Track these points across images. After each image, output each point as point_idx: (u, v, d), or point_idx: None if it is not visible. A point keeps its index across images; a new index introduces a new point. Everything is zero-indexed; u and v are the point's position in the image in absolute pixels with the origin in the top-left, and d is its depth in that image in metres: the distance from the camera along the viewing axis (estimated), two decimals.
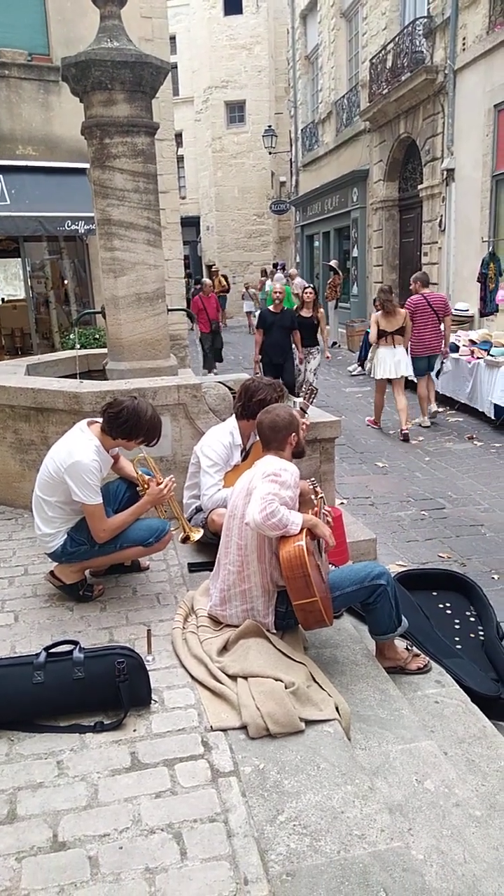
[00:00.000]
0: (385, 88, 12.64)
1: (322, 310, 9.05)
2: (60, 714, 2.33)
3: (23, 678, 2.29)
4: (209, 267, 26.17)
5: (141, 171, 4.38)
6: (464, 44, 10.31)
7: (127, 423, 2.97)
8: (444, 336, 8.22)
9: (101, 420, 3.07)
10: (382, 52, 12.86)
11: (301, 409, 3.76)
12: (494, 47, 9.43)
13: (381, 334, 8.01)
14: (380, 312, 8.06)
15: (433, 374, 8.55)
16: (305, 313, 8.71)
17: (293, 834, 1.85)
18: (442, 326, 8.17)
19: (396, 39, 12.29)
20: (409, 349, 8.08)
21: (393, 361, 7.92)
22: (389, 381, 8.04)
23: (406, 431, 7.75)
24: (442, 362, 8.57)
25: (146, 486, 3.16)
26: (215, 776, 2.06)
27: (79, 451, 2.94)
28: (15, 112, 10.08)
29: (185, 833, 1.86)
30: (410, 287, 8.59)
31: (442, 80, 10.91)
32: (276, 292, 8.58)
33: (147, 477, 3.20)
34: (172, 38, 17.70)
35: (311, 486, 3.02)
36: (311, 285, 9.61)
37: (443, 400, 9.30)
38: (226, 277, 22.72)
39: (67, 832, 1.86)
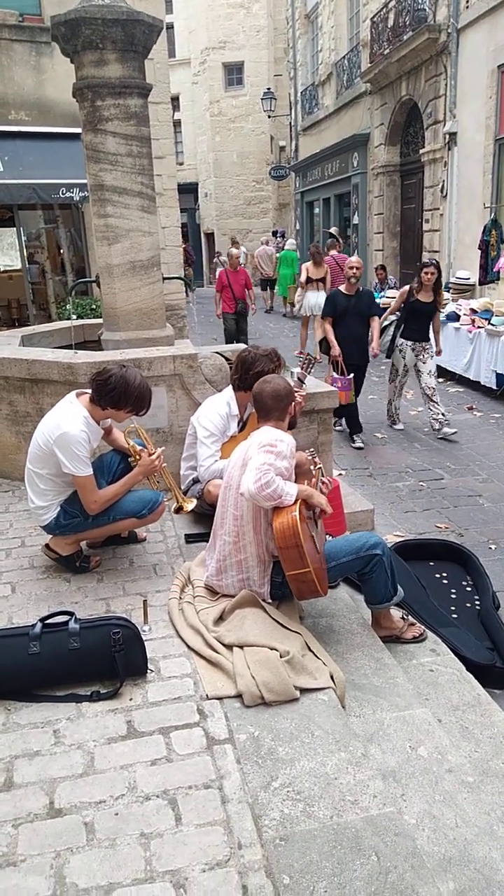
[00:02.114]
0: (386, 48, 12.30)
1: (444, 294, 6.95)
2: (57, 684, 2.34)
3: (19, 649, 2.30)
4: (208, 235, 25.79)
5: (134, 134, 4.27)
6: (467, 2, 10.00)
7: (115, 392, 2.94)
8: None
9: (90, 391, 3.04)
10: (384, 10, 12.48)
11: (299, 379, 3.73)
12: (499, 5, 9.14)
13: (309, 280, 10.38)
14: (310, 262, 10.43)
15: None
16: (424, 298, 6.48)
17: (287, 800, 1.88)
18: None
19: None
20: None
21: (316, 302, 9.96)
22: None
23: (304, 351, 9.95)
24: None
25: (138, 456, 3.14)
26: (210, 744, 2.08)
27: (67, 422, 2.91)
28: (6, 75, 9.81)
29: (180, 799, 1.88)
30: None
31: (445, 40, 10.61)
32: (352, 266, 6.46)
33: (139, 447, 3.18)
34: None
35: (310, 457, 3.00)
36: (435, 261, 6.66)
37: (442, 371, 9.23)
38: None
39: (64, 799, 1.88)
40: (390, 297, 11.02)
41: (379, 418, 7.48)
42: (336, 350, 6.35)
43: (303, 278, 10.55)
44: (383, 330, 6.95)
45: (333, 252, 11.42)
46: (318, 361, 4.07)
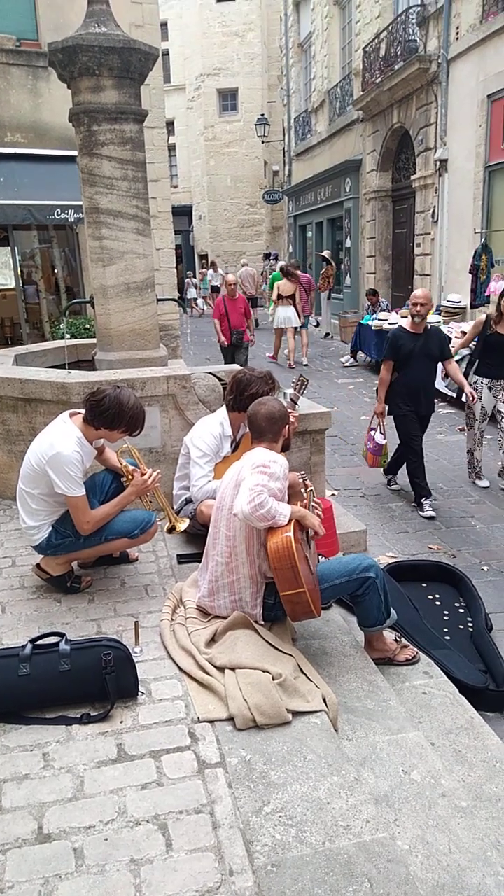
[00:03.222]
0: (378, 77, 12.56)
1: None
2: (47, 706, 2.32)
3: (8, 670, 2.28)
4: (202, 257, 26.00)
5: (129, 158, 4.33)
6: (457, 33, 10.24)
7: (109, 412, 2.94)
8: (311, 301, 13.34)
9: (83, 411, 3.04)
10: (376, 40, 12.76)
11: (292, 400, 3.74)
12: (488, 37, 9.37)
13: (280, 297, 11.91)
14: (283, 280, 11.93)
15: (306, 328, 12.62)
16: None
17: (279, 825, 1.85)
18: (308, 297, 12.83)
19: (390, 28, 12.20)
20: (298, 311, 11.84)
21: (285, 316, 11.87)
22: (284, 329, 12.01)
23: (292, 363, 11.91)
24: (310, 317, 13.95)
25: (131, 476, 3.13)
26: (202, 767, 2.06)
27: (60, 442, 2.91)
28: (3, 98, 9.95)
29: (170, 824, 1.85)
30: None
31: (435, 70, 10.84)
32: (416, 303, 5.20)
33: (131, 468, 3.17)
34: (164, 25, 17.57)
35: (301, 479, 3.01)
36: None
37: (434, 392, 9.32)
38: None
39: (53, 824, 1.85)
40: (381, 320, 11.14)
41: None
42: (380, 407, 5.39)
43: (274, 295, 12.10)
44: None
45: (298, 272, 13.20)
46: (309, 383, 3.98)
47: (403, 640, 3.11)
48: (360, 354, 12.30)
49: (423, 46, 11.18)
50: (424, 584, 4.02)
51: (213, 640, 2.66)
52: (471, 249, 9.93)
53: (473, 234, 10.10)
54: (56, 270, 11.64)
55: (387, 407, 5.42)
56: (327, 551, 3.67)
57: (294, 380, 3.81)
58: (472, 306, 9.90)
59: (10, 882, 1.68)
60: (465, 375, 5.71)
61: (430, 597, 3.89)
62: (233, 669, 2.44)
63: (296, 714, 2.28)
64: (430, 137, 11.33)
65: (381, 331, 11.00)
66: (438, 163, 11.03)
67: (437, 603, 3.83)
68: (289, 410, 3.19)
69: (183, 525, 3.33)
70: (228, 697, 2.31)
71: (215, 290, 22.24)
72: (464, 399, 5.62)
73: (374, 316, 11.77)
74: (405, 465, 5.60)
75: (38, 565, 3.17)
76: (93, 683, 2.30)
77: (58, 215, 9.61)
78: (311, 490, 2.95)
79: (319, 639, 2.94)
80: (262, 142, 22.70)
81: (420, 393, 5.32)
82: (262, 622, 2.72)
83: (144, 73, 4.36)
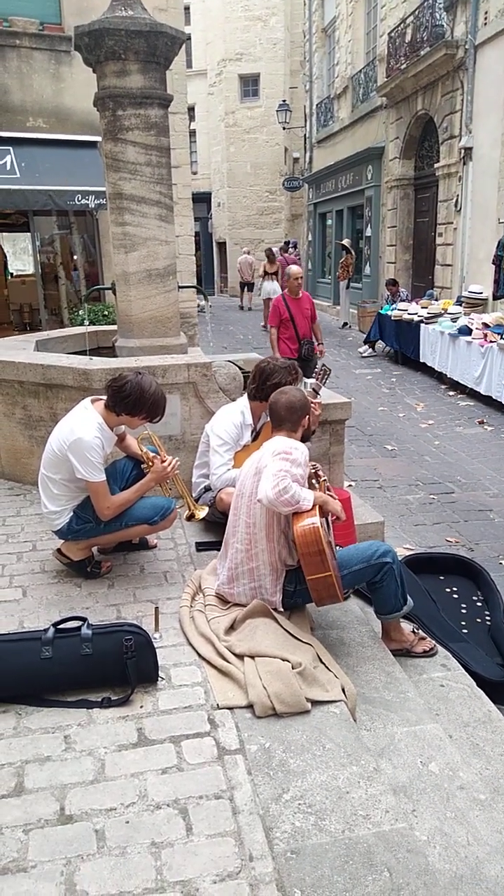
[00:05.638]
0: (403, 63, 12.37)
1: None
2: (68, 689, 2.34)
3: (31, 653, 2.30)
4: (220, 244, 25.88)
5: (154, 144, 4.31)
6: (485, 18, 10.05)
7: (130, 398, 2.95)
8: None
9: (104, 397, 3.05)
10: (401, 25, 12.57)
11: (313, 389, 3.72)
12: None
13: (266, 273, 15.19)
14: (266, 261, 15.40)
15: None
16: None
17: (298, 812, 1.86)
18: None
19: (416, 12, 12.00)
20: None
21: (272, 288, 14.44)
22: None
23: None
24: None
25: (151, 463, 3.15)
26: (221, 754, 2.07)
27: (81, 428, 2.92)
28: (26, 83, 9.93)
29: (190, 809, 1.87)
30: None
31: (462, 56, 10.66)
32: None
33: (152, 454, 3.18)
34: (186, 9, 17.40)
35: (313, 470, 2.99)
36: None
37: (453, 384, 9.26)
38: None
39: (74, 805, 1.88)
40: (401, 310, 11.05)
41: (389, 430, 7.47)
42: None
43: (261, 272, 15.35)
44: None
45: (285, 254, 16.58)
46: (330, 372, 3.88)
47: (421, 632, 3.10)
48: (379, 345, 12.22)
49: (450, 32, 10.99)
50: (442, 577, 4.00)
51: (232, 628, 2.67)
52: (494, 240, 9.79)
53: (497, 225, 9.96)
54: (75, 256, 11.64)
55: None
56: (345, 542, 3.66)
57: (316, 369, 3.79)
58: (495, 297, 9.79)
59: (32, 861, 1.71)
60: None
61: (448, 589, 3.88)
62: (252, 657, 2.45)
63: (315, 703, 2.29)
64: (455, 125, 11.16)
65: (401, 321, 10.94)
66: (463, 151, 10.87)
67: (455, 596, 3.82)
68: (311, 400, 3.18)
69: (202, 513, 3.34)
70: (248, 685, 2.32)
71: None
72: None
73: (394, 306, 11.69)
74: None
75: (58, 550, 3.20)
76: (114, 668, 2.32)
77: (78, 201, 9.60)
78: (323, 479, 2.94)
79: (337, 629, 2.95)
80: (284, 128, 22.48)
81: None
82: (282, 609, 2.73)
83: (170, 58, 4.32)
